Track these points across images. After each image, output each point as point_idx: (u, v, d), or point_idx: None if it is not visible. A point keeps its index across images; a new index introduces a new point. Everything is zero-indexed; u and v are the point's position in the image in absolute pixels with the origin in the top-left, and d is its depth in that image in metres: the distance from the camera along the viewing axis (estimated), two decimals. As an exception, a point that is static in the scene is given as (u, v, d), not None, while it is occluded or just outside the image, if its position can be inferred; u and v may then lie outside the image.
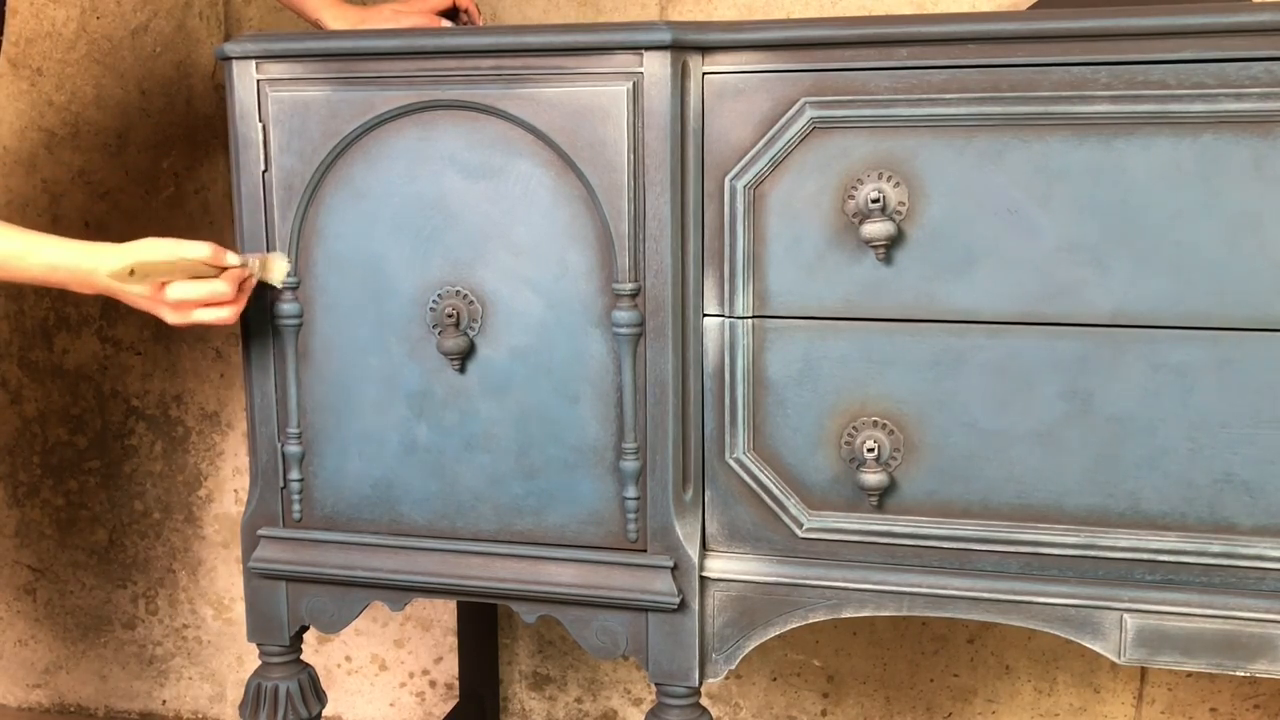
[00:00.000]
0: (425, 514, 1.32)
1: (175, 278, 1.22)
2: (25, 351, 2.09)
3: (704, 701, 1.41)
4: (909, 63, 1.15)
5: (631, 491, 1.25)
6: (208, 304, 1.23)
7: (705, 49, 1.19)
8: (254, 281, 1.28)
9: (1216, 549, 1.16)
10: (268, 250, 1.30)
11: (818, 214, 1.19)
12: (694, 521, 1.27)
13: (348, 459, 1.33)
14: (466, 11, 1.50)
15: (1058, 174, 1.14)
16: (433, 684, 2.09)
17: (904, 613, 1.23)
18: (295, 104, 1.27)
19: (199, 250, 1.22)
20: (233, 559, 2.09)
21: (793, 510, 1.24)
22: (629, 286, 1.21)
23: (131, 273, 1.20)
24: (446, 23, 1.49)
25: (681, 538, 1.25)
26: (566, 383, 1.26)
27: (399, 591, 1.35)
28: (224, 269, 1.24)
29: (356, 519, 1.35)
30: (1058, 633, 1.20)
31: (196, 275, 1.23)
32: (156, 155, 1.99)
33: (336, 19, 1.45)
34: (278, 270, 1.28)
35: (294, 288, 1.31)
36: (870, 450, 1.20)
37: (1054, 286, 1.15)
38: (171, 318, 1.24)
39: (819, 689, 1.93)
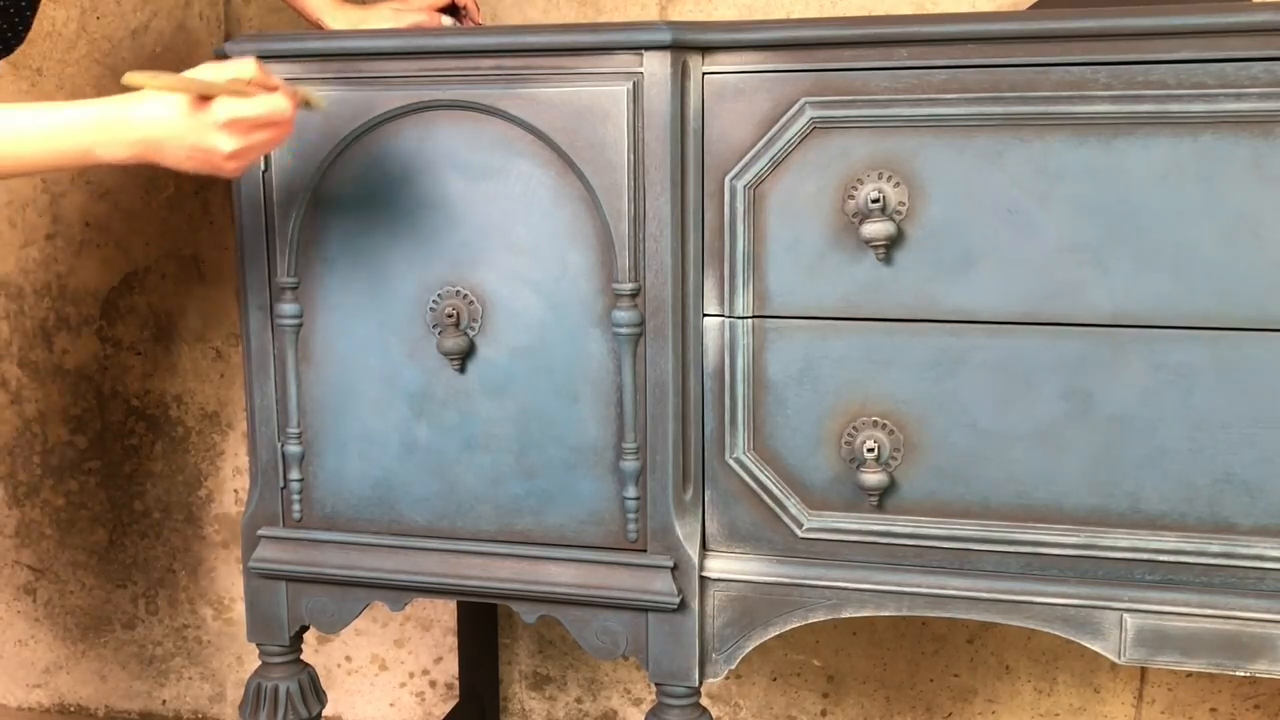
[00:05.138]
0: (425, 514, 1.32)
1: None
2: (25, 351, 2.09)
3: (704, 701, 1.41)
4: (909, 63, 1.15)
5: (631, 491, 1.25)
6: (265, 124, 1.07)
7: (705, 49, 1.19)
8: (298, 105, 1.13)
9: (1216, 549, 1.16)
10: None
11: (818, 214, 1.19)
12: (694, 521, 1.27)
13: (348, 459, 1.33)
14: (466, 10, 1.50)
15: (1058, 174, 1.13)
16: (433, 684, 2.09)
17: (904, 613, 1.23)
18: (295, 104, 1.27)
19: (245, 68, 1.06)
20: (233, 559, 2.09)
21: (793, 510, 1.24)
22: (629, 286, 1.21)
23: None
24: (447, 21, 1.48)
25: (681, 538, 1.25)
26: (566, 383, 1.26)
27: (399, 591, 1.35)
28: (272, 88, 1.09)
29: (356, 519, 1.35)
30: (1058, 633, 1.20)
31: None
32: (156, 155, 1.99)
33: (337, 19, 1.45)
34: (316, 97, 1.17)
35: (294, 288, 1.31)
36: (870, 450, 1.20)
37: (1054, 286, 1.15)
38: (228, 144, 1.06)
39: (819, 689, 1.93)
